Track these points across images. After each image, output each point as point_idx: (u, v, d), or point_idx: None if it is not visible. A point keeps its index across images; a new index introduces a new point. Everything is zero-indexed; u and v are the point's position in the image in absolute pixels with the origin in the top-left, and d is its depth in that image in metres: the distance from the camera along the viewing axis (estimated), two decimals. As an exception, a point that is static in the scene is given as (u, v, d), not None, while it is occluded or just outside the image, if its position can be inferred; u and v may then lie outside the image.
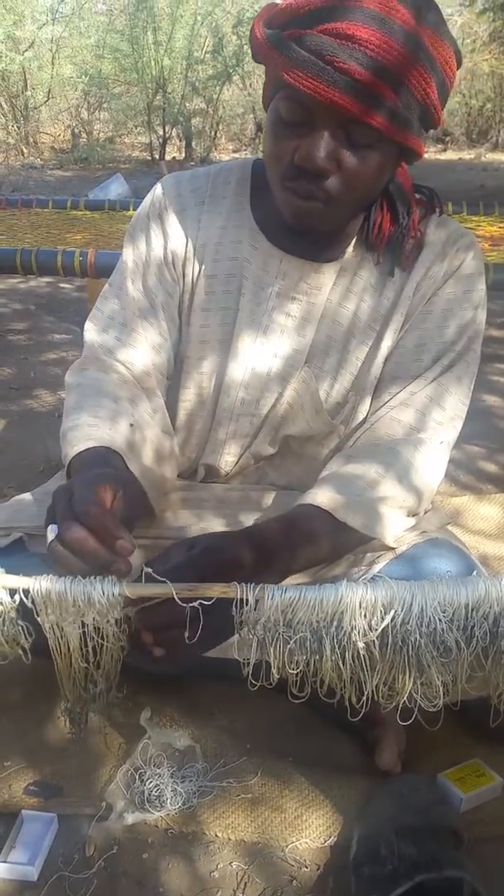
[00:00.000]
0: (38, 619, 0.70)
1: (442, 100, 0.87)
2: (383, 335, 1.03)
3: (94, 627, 0.71)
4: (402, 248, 1.00)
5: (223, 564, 0.78)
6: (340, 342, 1.04)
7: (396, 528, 0.96)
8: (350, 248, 1.02)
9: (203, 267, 1.04)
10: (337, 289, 1.03)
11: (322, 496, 0.92)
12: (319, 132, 0.85)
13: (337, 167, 0.87)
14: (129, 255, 1.07)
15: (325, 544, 0.91)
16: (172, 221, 1.04)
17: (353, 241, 1.02)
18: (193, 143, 10.22)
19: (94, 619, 0.70)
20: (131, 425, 0.96)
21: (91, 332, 1.06)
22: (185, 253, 1.05)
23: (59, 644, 0.72)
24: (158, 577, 0.70)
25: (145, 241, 1.05)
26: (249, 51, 0.91)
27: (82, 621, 0.70)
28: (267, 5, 0.89)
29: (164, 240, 1.05)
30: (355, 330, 1.03)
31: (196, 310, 1.06)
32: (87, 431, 0.92)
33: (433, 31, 0.83)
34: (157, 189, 1.07)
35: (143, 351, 1.04)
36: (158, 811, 1.01)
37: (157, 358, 1.05)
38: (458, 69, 0.88)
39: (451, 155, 11.61)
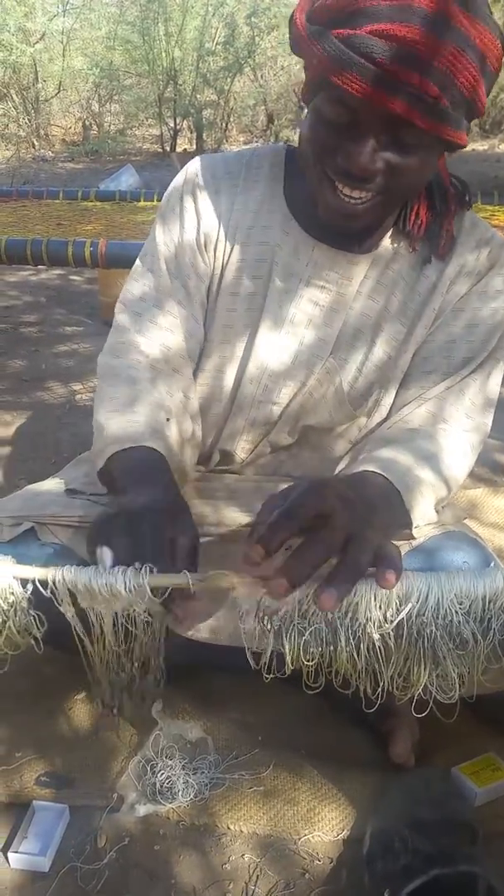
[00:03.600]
0: (61, 608, 0.69)
1: (488, 92, 0.85)
2: (413, 329, 1.01)
3: (126, 614, 0.70)
4: (439, 238, 0.98)
5: (326, 511, 0.70)
6: (368, 334, 1.03)
7: (425, 515, 0.94)
8: (385, 240, 1.00)
9: (233, 250, 1.02)
10: (368, 281, 1.01)
11: (374, 464, 0.87)
12: (366, 135, 0.82)
13: (384, 169, 0.85)
14: (159, 234, 1.05)
15: (385, 513, 0.84)
16: (206, 201, 1.03)
17: (390, 231, 1.00)
18: (204, 135, 10.18)
19: (122, 608, 0.69)
20: (168, 420, 0.95)
21: (122, 312, 1.05)
22: (217, 235, 1.03)
23: (93, 628, 0.71)
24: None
25: (178, 221, 1.03)
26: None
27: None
28: None
29: (196, 220, 1.03)
30: (383, 323, 1.02)
31: (223, 293, 1.04)
32: (127, 429, 0.91)
33: (482, 24, 0.79)
34: (191, 167, 1.05)
35: (173, 333, 1.02)
36: (170, 803, 1.01)
37: (186, 341, 1.03)
38: None
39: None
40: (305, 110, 0.90)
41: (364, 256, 1.00)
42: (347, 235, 0.98)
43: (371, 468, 0.87)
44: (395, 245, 1.00)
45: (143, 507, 0.78)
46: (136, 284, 1.05)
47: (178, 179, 1.06)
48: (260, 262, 1.02)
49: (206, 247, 1.03)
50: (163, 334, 1.02)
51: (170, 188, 1.07)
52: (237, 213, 1.02)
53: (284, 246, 1.01)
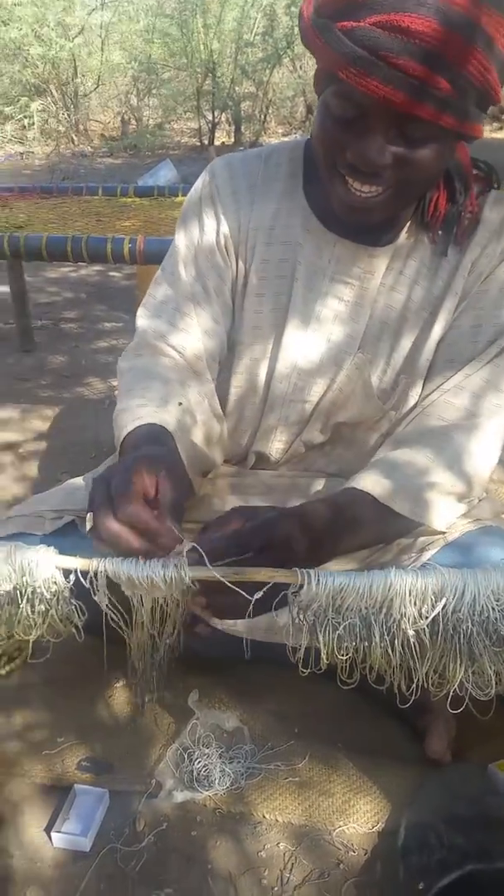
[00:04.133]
0: (97, 598, 0.71)
1: (502, 79, 0.82)
2: (436, 318, 1.00)
3: (159, 601, 0.73)
4: (459, 225, 0.97)
5: (275, 543, 0.78)
6: (393, 326, 1.02)
7: (447, 515, 0.95)
8: (404, 232, 1.00)
9: (256, 251, 1.03)
10: (390, 273, 1.01)
11: (369, 481, 0.91)
12: (374, 130, 0.82)
13: (393, 164, 0.84)
14: (181, 240, 1.06)
15: (372, 529, 0.91)
16: (225, 204, 1.03)
17: (409, 223, 1.00)
18: (243, 128, 10.16)
19: (159, 597, 0.71)
20: (180, 404, 0.96)
21: (143, 317, 1.07)
22: (238, 237, 1.04)
23: (134, 616, 0.73)
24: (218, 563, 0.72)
25: (198, 225, 1.05)
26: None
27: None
28: None
29: (216, 224, 1.04)
30: (408, 314, 1.02)
31: (249, 295, 1.05)
32: (136, 412, 0.93)
33: (490, 9, 0.76)
34: (209, 172, 1.06)
35: (195, 335, 1.04)
36: (207, 791, 1.03)
37: (208, 342, 1.05)
38: None
39: (505, 133, 11.26)
40: None
41: (384, 249, 0.99)
42: (365, 229, 0.97)
43: (370, 480, 0.92)
44: (415, 236, 1.00)
45: (119, 462, 0.79)
46: (158, 289, 1.07)
47: (198, 184, 1.07)
48: (283, 261, 1.02)
49: (227, 250, 1.04)
50: (184, 337, 1.03)
51: (190, 193, 1.08)
52: (257, 213, 1.03)
53: (306, 244, 1.01)
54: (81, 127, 10.33)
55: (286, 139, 10.16)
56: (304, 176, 1.02)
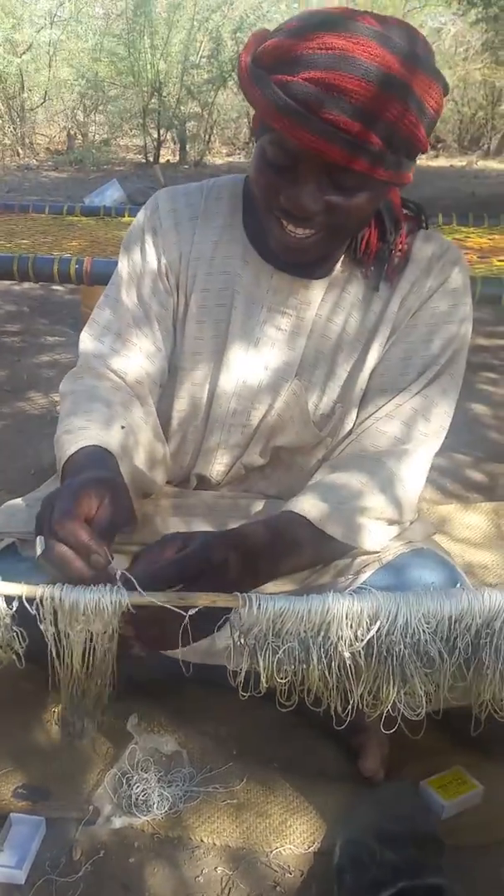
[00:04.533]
0: (42, 626, 0.70)
1: (429, 134, 0.88)
2: (369, 348, 1.04)
3: (94, 634, 0.72)
4: (389, 263, 1.02)
5: (210, 568, 0.79)
6: (329, 355, 1.06)
7: (378, 538, 0.98)
8: (338, 265, 1.04)
9: (196, 280, 1.06)
10: (326, 304, 1.04)
11: (306, 504, 0.94)
12: (306, 178, 0.86)
13: (325, 210, 0.88)
14: (124, 267, 1.08)
15: (308, 552, 0.93)
16: (167, 235, 1.06)
17: (342, 258, 1.03)
18: (188, 147, 10.24)
19: (98, 626, 0.71)
20: (122, 427, 0.97)
21: (86, 341, 1.07)
22: (180, 265, 1.06)
23: (63, 651, 0.73)
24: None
25: (140, 252, 1.07)
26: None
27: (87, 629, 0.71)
28: (255, 34, 0.88)
29: (158, 252, 1.06)
30: (343, 343, 1.05)
31: (190, 321, 1.07)
32: (79, 434, 0.93)
33: (422, 72, 0.81)
34: (153, 203, 1.09)
35: (137, 360, 1.05)
36: (145, 815, 1.02)
37: (150, 367, 1.06)
38: (445, 96, 0.88)
39: (442, 161, 11.66)
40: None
41: (320, 282, 1.03)
42: (300, 265, 1.01)
43: (307, 503, 0.93)
44: (349, 270, 1.04)
45: (65, 485, 0.80)
46: (101, 314, 1.08)
47: (141, 214, 1.09)
48: (223, 290, 1.05)
49: (168, 277, 1.06)
50: (126, 362, 1.05)
51: (133, 222, 1.10)
52: (197, 244, 1.06)
53: (245, 274, 1.05)
54: (27, 140, 10.24)
55: (230, 160, 10.28)
56: (245, 210, 1.06)
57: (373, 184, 0.87)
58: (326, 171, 0.85)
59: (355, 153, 0.81)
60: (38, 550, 0.74)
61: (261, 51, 0.84)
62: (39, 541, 0.74)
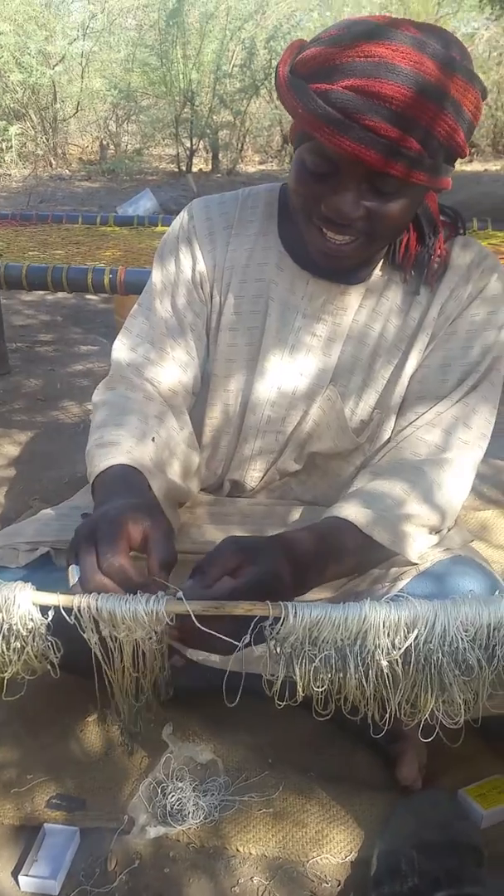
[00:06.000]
0: (85, 634, 0.71)
1: (468, 138, 0.88)
2: (408, 355, 1.04)
3: (139, 640, 0.73)
4: (429, 268, 1.01)
5: (268, 590, 0.78)
6: (366, 362, 1.05)
7: (420, 546, 0.97)
8: (377, 270, 1.03)
9: (230, 288, 1.06)
10: (363, 310, 1.04)
11: (350, 510, 0.93)
12: (346, 185, 0.86)
13: (366, 216, 0.88)
14: (157, 276, 1.09)
15: (352, 558, 0.92)
16: (201, 244, 1.07)
17: (381, 262, 1.03)
18: (220, 156, 10.30)
19: (141, 633, 0.71)
20: (154, 440, 0.97)
21: (119, 350, 1.08)
22: (214, 274, 1.07)
23: (113, 656, 0.73)
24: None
25: (174, 262, 1.08)
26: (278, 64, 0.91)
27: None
28: (291, 45, 0.89)
29: (192, 261, 1.07)
30: (381, 350, 1.05)
31: (224, 329, 1.07)
32: (111, 449, 0.94)
33: (460, 77, 0.82)
34: (187, 212, 1.09)
35: (171, 369, 1.06)
36: (180, 825, 1.02)
37: (184, 376, 1.07)
38: (483, 100, 0.88)
39: (476, 166, 11.55)
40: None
41: (357, 287, 1.03)
42: (339, 271, 1.01)
43: (351, 509, 0.92)
44: (388, 275, 1.03)
45: (102, 513, 0.80)
46: (134, 322, 1.09)
47: (175, 223, 1.10)
48: (257, 297, 1.06)
49: (202, 286, 1.07)
50: (160, 370, 1.05)
51: (168, 231, 1.11)
52: (232, 253, 1.06)
53: (280, 281, 1.05)
54: (60, 151, 10.39)
55: (262, 168, 10.32)
56: (279, 217, 1.06)
57: (411, 188, 0.87)
58: (366, 178, 0.86)
59: (394, 158, 0.81)
60: (72, 580, 0.74)
61: (299, 60, 0.85)
62: (73, 570, 0.75)
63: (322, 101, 0.81)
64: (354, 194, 0.87)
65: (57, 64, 9.92)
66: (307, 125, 0.84)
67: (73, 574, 0.74)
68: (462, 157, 0.90)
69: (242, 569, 0.79)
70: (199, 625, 0.70)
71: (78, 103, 10.47)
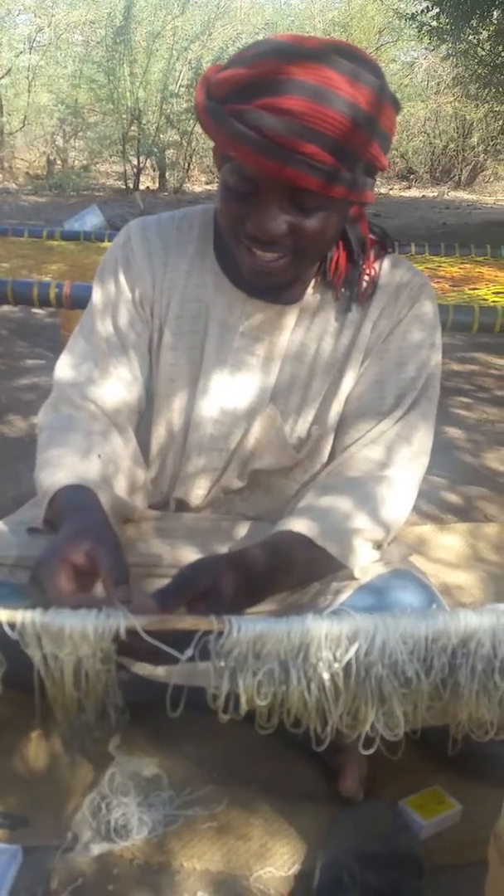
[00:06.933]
0: (29, 651, 0.71)
1: (384, 151, 0.91)
2: (343, 373, 1.07)
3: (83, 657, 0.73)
4: (359, 287, 1.05)
5: (210, 590, 0.81)
6: (304, 380, 1.08)
7: (364, 559, 1.00)
8: (310, 290, 1.06)
9: (170, 309, 1.08)
10: (299, 329, 1.07)
11: (302, 524, 0.96)
12: (268, 203, 0.89)
13: (289, 231, 0.91)
14: (98, 296, 1.10)
15: (301, 571, 0.95)
16: (140, 264, 1.08)
17: (313, 282, 1.06)
18: (167, 174, 10.35)
19: (86, 650, 0.71)
20: (100, 456, 0.99)
21: (62, 370, 1.09)
22: (153, 294, 1.08)
23: (53, 674, 0.73)
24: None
25: (114, 283, 1.09)
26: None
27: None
28: (209, 70, 0.91)
29: (132, 282, 1.08)
30: (317, 368, 1.08)
31: (165, 349, 1.09)
32: (56, 469, 0.95)
33: (370, 91, 0.85)
34: (125, 234, 1.11)
35: (114, 388, 1.07)
36: (124, 841, 1.02)
37: (127, 395, 1.08)
38: (397, 114, 0.92)
39: (415, 192, 11.90)
40: None
41: (292, 306, 1.06)
42: (273, 289, 1.03)
43: (302, 524, 0.95)
44: (321, 294, 1.07)
45: (40, 555, 0.82)
46: (76, 344, 1.10)
47: (114, 245, 1.12)
48: (196, 318, 1.08)
49: (142, 306, 1.08)
50: (103, 390, 1.06)
51: (106, 254, 1.13)
52: (170, 273, 1.08)
53: (218, 302, 1.07)
54: (6, 164, 10.27)
55: (209, 188, 10.39)
56: (216, 238, 1.08)
57: (333, 203, 0.90)
58: (286, 194, 0.88)
59: (311, 174, 0.84)
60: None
61: (213, 84, 0.88)
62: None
63: (237, 120, 0.83)
64: (276, 211, 0.89)
65: (3, 76, 9.83)
66: (225, 146, 0.86)
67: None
68: (382, 170, 0.93)
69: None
70: (147, 637, 0.71)
71: (25, 117, 10.39)
